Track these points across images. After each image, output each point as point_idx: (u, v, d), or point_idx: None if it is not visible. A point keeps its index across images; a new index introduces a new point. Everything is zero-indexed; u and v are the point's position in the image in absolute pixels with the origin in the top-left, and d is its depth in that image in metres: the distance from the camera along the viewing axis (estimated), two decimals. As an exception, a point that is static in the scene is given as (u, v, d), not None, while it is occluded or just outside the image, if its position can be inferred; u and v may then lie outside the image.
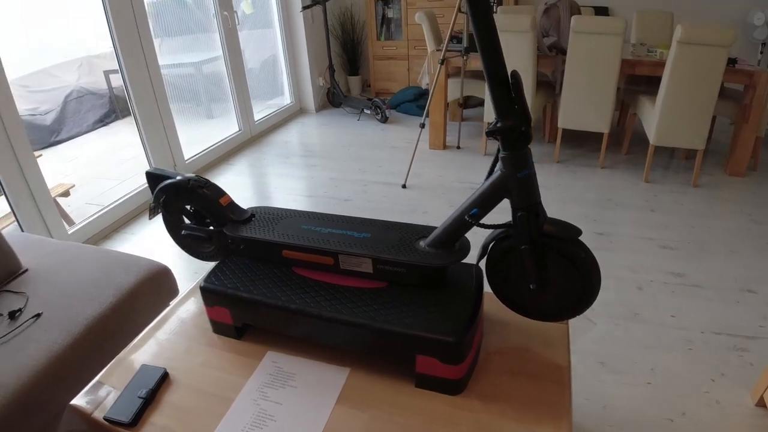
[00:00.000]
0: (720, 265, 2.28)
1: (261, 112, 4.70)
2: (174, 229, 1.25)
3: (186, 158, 3.68)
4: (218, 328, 1.11)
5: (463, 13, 2.89)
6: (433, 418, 0.87)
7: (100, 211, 3.01)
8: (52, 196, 3.22)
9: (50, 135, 4.79)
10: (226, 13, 3.93)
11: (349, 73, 5.49)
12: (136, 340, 1.12)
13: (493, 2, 4.46)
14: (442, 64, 2.97)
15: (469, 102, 4.76)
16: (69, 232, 2.78)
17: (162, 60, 5.22)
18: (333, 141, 4.17)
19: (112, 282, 1.61)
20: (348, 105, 4.80)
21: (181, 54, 4.95)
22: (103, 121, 5.27)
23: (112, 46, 3.06)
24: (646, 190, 3.01)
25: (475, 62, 3.37)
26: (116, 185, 3.82)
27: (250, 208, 1.20)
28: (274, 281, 1.04)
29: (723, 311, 1.98)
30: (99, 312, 1.50)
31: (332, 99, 4.99)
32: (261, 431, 0.87)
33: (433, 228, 1.04)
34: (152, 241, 2.76)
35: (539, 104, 3.41)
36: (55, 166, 4.45)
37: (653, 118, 2.94)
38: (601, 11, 4.30)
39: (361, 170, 3.52)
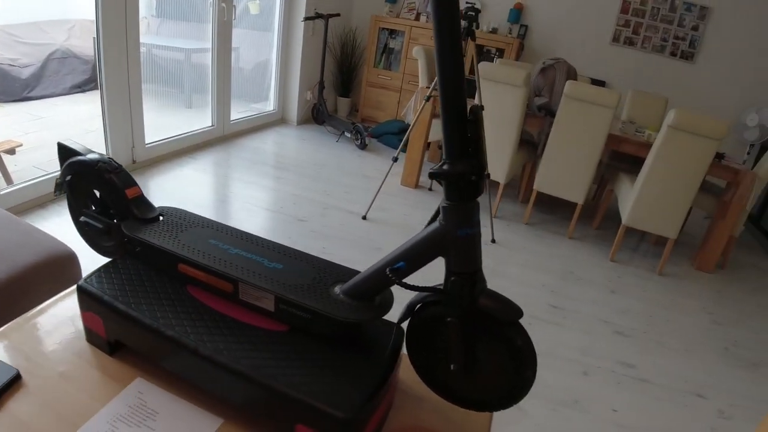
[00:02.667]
0: (673, 362, 2.16)
1: (241, 113, 4.54)
2: (75, 212, 1.06)
3: (147, 142, 3.46)
4: (91, 337, 0.90)
5: (458, 53, 2.79)
6: None
7: (41, 177, 2.77)
8: (-7, 151, 2.96)
9: (23, 89, 4.53)
10: (223, 4, 3.79)
11: (339, 94, 5.39)
12: (2, 328, 0.90)
13: (494, 54, 4.44)
14: (427, 100, 2.86)
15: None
16: (2, 192, 2.54)
17: (154, 40, 5.06)
18: (306, 157, 4.01)
19: (7, 256, 1.39)
20: (330, 124, 4.67)
21: (175, 38, 4.80)
22: (81, 87, 5.04)
23: (94, 9, 2.88)
24: (610, 269, 2.91)
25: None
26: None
27: (161, 207, 1.03)
28: (160, 298, 0.86)
29: (668, 413, 1.84)
30: None
31: (316, 115, 4.86)
32: None
33: (357, 272, 0.87)
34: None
35: (519, 162, 3.32)
36: (15, 120, 4.18)
37: (630, 198, 2.87)
38: (598, 84, 4.31)
39: (326, 193, 3.35)
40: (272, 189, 3.31)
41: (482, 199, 3.58)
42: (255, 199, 3.13)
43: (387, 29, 4.92)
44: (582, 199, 3.10)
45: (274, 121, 4.88)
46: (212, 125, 4.08)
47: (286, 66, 4.75)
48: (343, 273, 0.89)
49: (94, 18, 2.91)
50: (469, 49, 2.81)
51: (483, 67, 2.99)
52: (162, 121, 4.49)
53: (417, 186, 3.66)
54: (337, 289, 0.83)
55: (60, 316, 0.98)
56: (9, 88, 4.42)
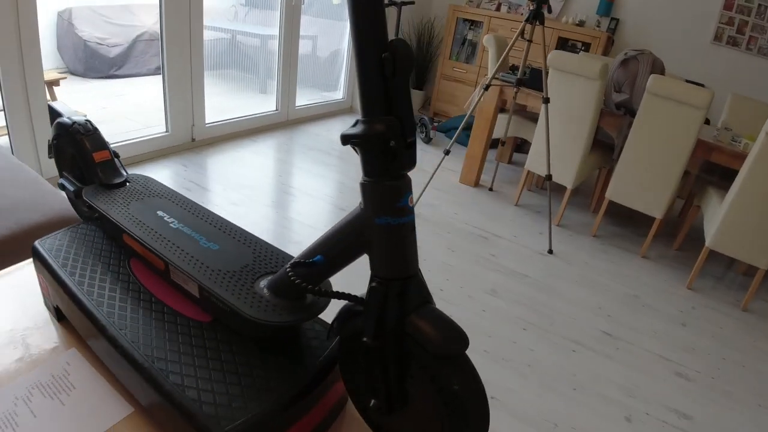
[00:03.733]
0: (740, 419, 1.76)
1: (311, 100, 4.52)
2: (59, 173, 1.05)
3: (208, 122, 3.51)
4: (45, 300, 0.88)
5: (525, 39, 2.51)
6: None
7: None
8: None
9: (109, 67, 4.83)
10: (293, -11, 3.75)
11: (413, 86, 5.21)
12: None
13: (580, 48, 4.04)
14: (485, 89, 2.60)
15: (525, 147, 4.34)
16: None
17: (239, 26, 5.20)
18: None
19: (20, 217, 1.45)
20: (397, 116, 4.51)
21: (257, 25, 4.89)
22: (164, 69, 5.31)
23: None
24: (684, 298, 2.49)
25: (528, 99, 2.97)
26: (136, 129, 3.72)
27: (132, 174, 0.96)
28: (102, 272, 0.80)
29: (726, 485, 1.49)
30: None
31: (385, 106, 4.72)
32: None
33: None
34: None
35: (591, 165, 2.96)
36: (97, 95, 4.45)
37: (716, 217, 2.43)
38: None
39: (376, 184, 3.20)
40: (320, 176, 3.21)
41: (541, 202, 3.25)
42: (301, 184, 3.04)
43: (466, 20, 4.66)
44: (661, 213, 2.69)
45: (342, 109, 4.81)
46: (276, 110, 4.08)
47: (357, 54, 4.66)
48: (286, 261, 0.74)
49: (157, 1, 2.96)
50: (539, 34, 2.51)
51: (553, 55, 2.68)
52: (234, 104, 4.58)
53: (477, 185, 3.40)
54: (264, 282, 0.68)
55: (30, 278, 0.95)
56: (97, 65, 4.71)
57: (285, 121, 4.17)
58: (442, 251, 2.52)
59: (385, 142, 0.50)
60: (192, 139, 3.46)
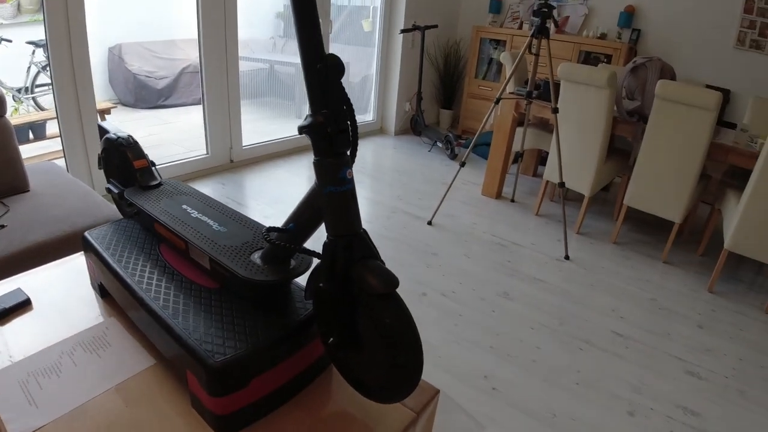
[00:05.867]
0: (752, 421, 1.76)
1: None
2: (107, 179, 1.28)
3: (244, 144, 3.77)
4: (91, 281, 1.08)
5: (533, 54, 2.63)
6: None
7: None
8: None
9: (158, 98, 5.23)
10: (320, 19, 4.00)
11: (442, 106, 5.36)
12: (35, 269, 1.12)
13: (603, 60, 4.09)
14: (496, 103, 2.72)
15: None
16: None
17: (277, 56, 5.53)
18: (390, 164, 4.05)
19: (74, 221, 1.72)
20: (426, 135, 4.67)
21: (294, 55, 5.20)
22: (209, 99, 5.70)
23: (197, 33, 3.25)
24: (705, 302, 2.48)
25: (544, 111, 3.06)
26: (181, 152, 4.03)
27: (165, 180, 1.16)
28: (136, 253, 0.98)
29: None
30: (43, 239, 1.58)
31: (414, 126, 4.89)
32: (43, 379, 0.81)
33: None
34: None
35: (608, 172, 3.00)
36: (146, 124, 4.83)
37: (733, 218, 2.43)
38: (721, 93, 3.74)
39: (399, 197, 3.35)
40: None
41: (555, 210, 3.30)
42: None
43: (489, 39, 4.80)
44: (679, 217, 2.70)
45: (373, 130, 5.00)
46: (308, 131, 4.30)
47: (385, 78, 4.86)
48: None
49: (197, 36, 3.26)
50: (544, 48, 2.62)
51: (563, 67, 2.77)
52: (271, 128, 4.86)
53: (499, 197, 3.49)
54: (258, 254, 0.85)
55: (81, 265, 1.17)
56: (146, 96, 5.12)
57: (317, 142, 4.39)
58: (459, 258, 2.62)
59: (323, 130, 0.65)
60: (230, 160, 3.72)
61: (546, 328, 2.12)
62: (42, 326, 0.94)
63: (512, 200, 3.47)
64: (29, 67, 4.18)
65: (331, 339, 0.72)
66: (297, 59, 5.02)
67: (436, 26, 4.49)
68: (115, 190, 1.16)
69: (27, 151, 3.65)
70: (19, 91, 4.18)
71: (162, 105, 5.22)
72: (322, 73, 0.64)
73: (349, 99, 0.69)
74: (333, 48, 4.23)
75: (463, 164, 2.87)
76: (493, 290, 2.36)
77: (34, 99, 4.16)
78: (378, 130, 5.04)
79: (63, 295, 1.04)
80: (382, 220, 3.00)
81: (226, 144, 3.65)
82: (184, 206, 1.03)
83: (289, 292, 0.86)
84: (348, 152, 0.69)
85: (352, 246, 0.68)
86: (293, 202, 3.14)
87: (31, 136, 3.78)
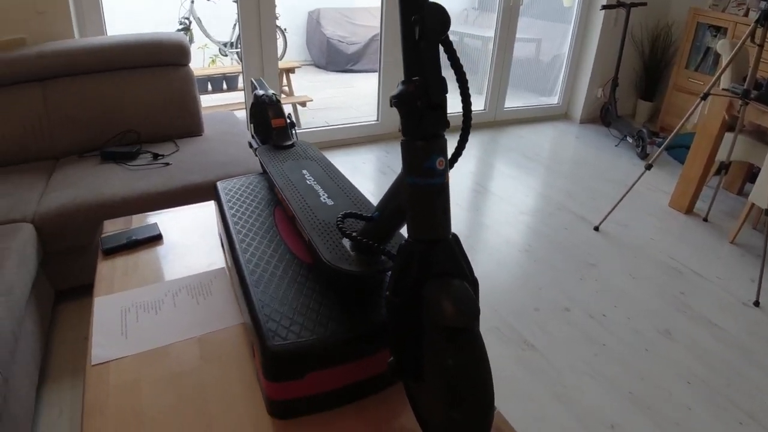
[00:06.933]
0: None
1: (526, 102, 4.47)
2: (252, 135, 1.33)
3: (414, 115, 3.76)
4: (218, 229, 1.11)
5: (755, 44, 2.08)
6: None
7: (319, 127, 3.42)
8: (294, 101, 3.74)
9: (347, 62, 5.51)
10: (512, -9, 3.75)
11: (641, 96, 4.71)
12: (175, 209, 1.22)
13: None
14: (703, 99, 2.23)
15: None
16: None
17: (467, 29, 5.41)
18: (569, 154, 3.69)
19: (230, 169, 1.87)
20: (616, 127, 4.15)
21: (483, 28, 5.03)
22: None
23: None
24: None
25: (758, 115, 2.44)
26: (355, 116, 4.19)
27: (300, 141, 1.15)
28: (253, 213, 0.98)
29: None
30: (198, 182, 1.75)
31: (604, 115, 4.37)
32: (143, 313, 0.86)
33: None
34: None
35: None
36: (332, 86, 5.12)
37: None
38: None
39: (568, 193, 3.03)
40: (511, 177, 3.18)
41: (756, 240, 2.66)
42: (488, 182, 3.06)
43: (707, 25, 4.02)
44: None
45: (556, 115, 4.61)
46: (484, 109, 4.13)
47: (578, 59, 4.41)
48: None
49: (380, 5, 3.30)
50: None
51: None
52: (448, 102, 4.79)
53: (689, 212, 2.95)
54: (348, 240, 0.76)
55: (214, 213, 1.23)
56: (337, 59, 5.39)
57: (492, 121, 4.20)
58: (621, 276, 2.27)
59: (411, 103, 0.52)
60: (399, 129, 3.75)
61: (705, 386, 1.72)
62: (163, 263, 1.00)
63: (705, 219, 2.90)
64: (234, 24, 4.66)
65: (390, 359, 0.61)
66: (484, 32, 4.83)
67: (644, 4, 3.89)
68: (253, 146, 1.19)
69: (216, 99, 4.15)
70: (225, 45, 4.71)
71: (349, 69, 5.48)
72: (417, 29, 0.49)
73: (461, 66, 0.54)
74: (521, 22, 3.94)
75: (649, 167, 2.46)
76: (653, 324, 2.00)
77: (237, 53, 4.66)
78: (562, 115, 4.63)
79: (191, 237, 1.10)
80: (544, 216, 2.74)
81: (395, 112, 3.68)
82: (304, 171, 0.99)
83: (381, 288, 0.75)
84: (443, 134, 0.54)
85: (432, 255, 0.55)
86: (453, 181, 3.04)
87: (224, 86, 4.25)
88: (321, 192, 0.90)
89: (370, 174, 3.12)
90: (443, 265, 0.55)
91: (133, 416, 0.65)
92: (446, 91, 0.53)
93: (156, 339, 0.79)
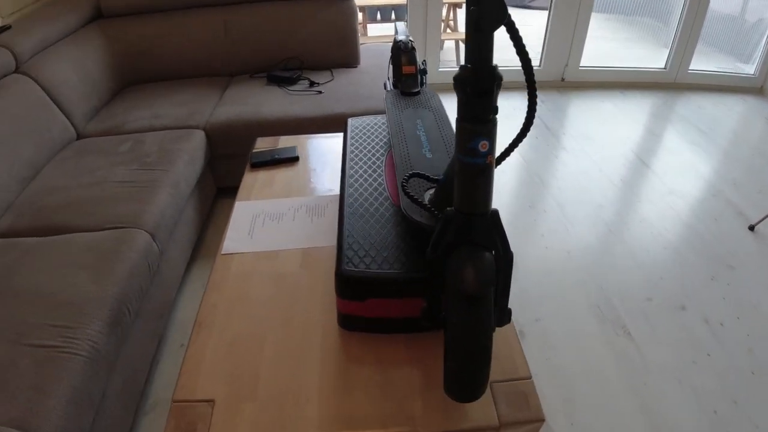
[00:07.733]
0: None
1: (718, 67, 3.90)
2: (388, 77, 1.40)
3: (581, 65, 3.53)
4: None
5: None
6: (323, 339, 0.82)
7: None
8: (457, 38, 3.75)
9: (522, -1, 5.22)
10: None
11: None
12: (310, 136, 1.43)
13: None
14: None
15: None
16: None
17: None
18: (753, 137, 3.20)
19: (376, 104, 2.04)
20: (829, 113, 3.46)
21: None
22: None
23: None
24: None
25: None
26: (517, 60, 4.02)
27: (427, 89, 1.21)
28: (368, 150, 1.07)
29: None
30: (341, 111, 2.01)
31: (817, 97, 3.66)
32: (268, 221, 1.05)
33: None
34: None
35: None
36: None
37: None
38: None
39: (734, 183, 2.68)
40: (673, 151, 2.90)
41: None
42: (644, 150, 2.84)
43: None
44: None
45: (749, 88, 3.94)
46: (664, 68, 3.70)
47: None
48: None
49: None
50: None
51: None
52: (622, 53, 4.35)
53: None
54: (432, 191, 0.85)
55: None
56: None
57: (670, 83, 3.75)
58: (760, 287, 2.02)
59: (463, 88, 0.58)
60: (561, 78, 3.56)
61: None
62: (293, 182, 1.20)
63: None
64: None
65: (424, 305, 0.72)
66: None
67: None
68: (385, 90, 1.29)
69: (384, 29, 4.21)
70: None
71: (527, 6, 5.18)
72: (473, 19, 0.53)
73: (527, 53, 0.57)
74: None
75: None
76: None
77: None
78: (756, 89, 3.94)
79: (321, 164, 1.28)
80: (694, 201, 2.50)
81: (561, 60, 3.48)
82: (418, 121, 1.05)
83: None
84: (492, 119, 0.59)
85: (468, 226, 0.62)
86: (602, 142, 2.88)
87: (393, 16, 4.33)
88: (425, 143, 0.97)
89: (517, 124, 3.07)
90: (476, 236, 0.63)
91: (241, 298, 0.87)
92: (496, 79, 0.57)
93: (272, 243, 1.00)
